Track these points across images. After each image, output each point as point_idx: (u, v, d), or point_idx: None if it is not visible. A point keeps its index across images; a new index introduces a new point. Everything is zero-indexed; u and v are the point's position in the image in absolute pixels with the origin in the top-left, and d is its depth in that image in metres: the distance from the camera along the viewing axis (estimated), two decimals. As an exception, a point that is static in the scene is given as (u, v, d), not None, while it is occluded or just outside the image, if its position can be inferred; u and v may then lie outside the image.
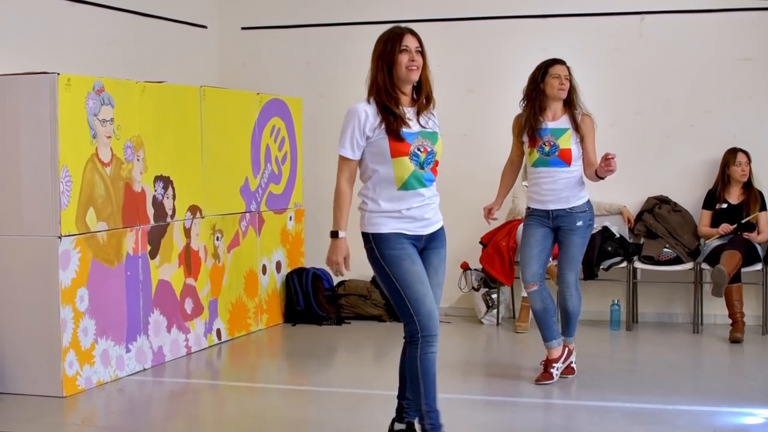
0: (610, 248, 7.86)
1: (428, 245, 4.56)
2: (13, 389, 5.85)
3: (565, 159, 5.97)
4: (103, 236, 6.11)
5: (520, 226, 7.79)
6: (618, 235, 7.96)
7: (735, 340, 7.28)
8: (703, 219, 7.85)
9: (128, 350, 6.36)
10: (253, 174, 7.71)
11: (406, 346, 4.57)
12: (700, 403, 5.68)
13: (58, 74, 5.75)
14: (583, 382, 6.17)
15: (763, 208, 7.69)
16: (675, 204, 8.02)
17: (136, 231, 6.41)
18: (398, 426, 4.79)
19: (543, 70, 6.12)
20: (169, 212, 6.75)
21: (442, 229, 4.63)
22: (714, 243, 7.67)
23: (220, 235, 7.30)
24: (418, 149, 4.46)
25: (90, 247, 5.99)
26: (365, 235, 4.52)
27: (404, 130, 4.43)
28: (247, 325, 7.67)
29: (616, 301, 7.87)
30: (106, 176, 6.13)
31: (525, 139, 6.10)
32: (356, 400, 5.78)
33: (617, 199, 8.09)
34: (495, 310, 8.10)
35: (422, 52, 4.52)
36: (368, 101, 4.50)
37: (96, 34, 7.39)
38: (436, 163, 4.55)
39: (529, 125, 6.05)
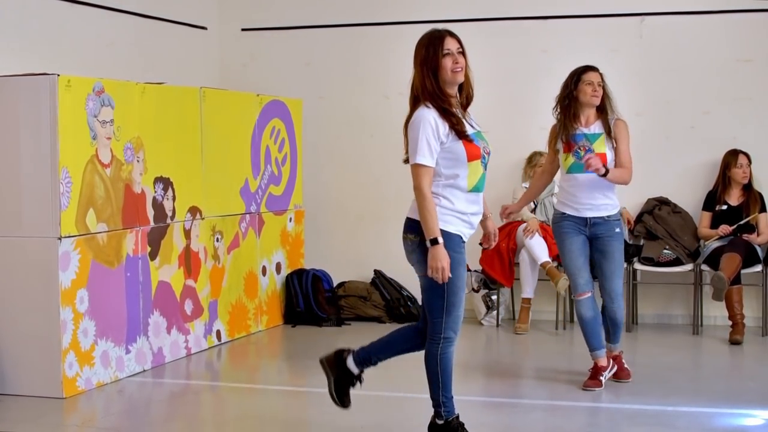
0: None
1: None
2: (13, 390, 5.85)
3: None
4: (103, 237, 6.11)
5: (520, 228, 7.83)
6: (618, 237, 7.96)
7: (735, 342, 7.28)
8: (703, 220, 7.85)
9: (128, 351, 6.36)
10: (253, 175, 7.72)
11: (407, 328, 5.01)
12: (699, 404, 5.68)
13: (59, 75, 5.76)
14: (582, 383, 6.16)
15: (762, 210, 7.69)
16: (675, 205, 8.02)
17: (136, 232, 6.41)
18: (355, 369, 4.97)
19: (576, 77, 6.05)
20: (169, 213, 6.75)
21: None
22: (714, 244, 7.67)
23: (220, 237, 7.30)
24: (484, 151, 4.57)
25: (90, 249, 5.99)
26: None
27: (468, 133, 4.50)
28: (247, 327, 7.67)
29: (616, 303, 7.86)
30: (106, 177, 6.13)
31: (560, 146, 6.02)
32: (356, 401, 5.77)
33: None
34: (495, 312, 8.10)
35: (463, 53, 4.55)
36: (427, 106, 4.50)
37: (96, 36, 7.39)
38: None
39: (564, 131, 5.99)
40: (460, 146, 4.47)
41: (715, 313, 7.90)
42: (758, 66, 7.93)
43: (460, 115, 4.54)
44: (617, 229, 5.99)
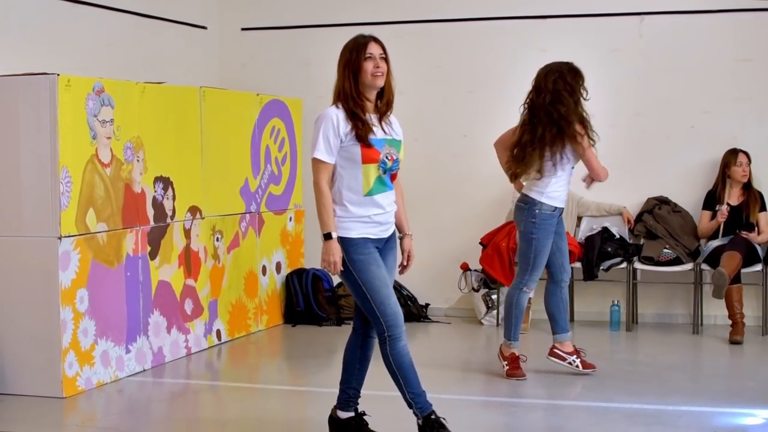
0: (609, 249, 7.86)
1: (383, 247, 4.76)
2: (13, 390, 5.85)
3: None
4: (103, 237, 6.11)
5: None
6: (618, 236, 7.96)
7: (735, 342, 7.28)
8: (702, 220, 7.85)
9: (128, 351, 6.36)
10: (252, 175, 7.72)
11: (351, 336, 4.91)
12: (699, 403, 5.68)
13: (58, 75, 5.76)
14: (583, 383, 6.17)
15: (762, 209, 7.69)
16: (675, 205, 8.02)
17: (136, 232, 6.41)
18: (344, 414, 4.93)
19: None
20: (169, 213, 6.75)
21: (395, 231, 4.86)
22: (714, 244, 7.67)
23: (220, 236, 7.30)
24: (387, 157, 4.65)
25: (90, 248, 5.99)
26: (339, 239, 4.64)
27: (372, 137, 4.62)
28: (246, 326, 7.67)
29: (616, 302, 7.87)
30: (106, 177, 6.13)
31: None
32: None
33: (617, 199, 8.09)
34: (495, 311, 8.10)
35: (386, 59, 4.69)
36: (337, 106, 4.68)
37: (96, 35, 7.39)
38: (397, 170, 4.75)
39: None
40: (356, 148, 4.60)
41: (715, 312, 7.90)
42: (758, 65, 7.93)
43: (372, 121, 4.66)
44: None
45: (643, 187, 8.10)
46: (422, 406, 4.74)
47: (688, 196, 8.03)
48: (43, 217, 5.78)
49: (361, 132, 4.61)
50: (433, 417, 4.73)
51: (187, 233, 6.94)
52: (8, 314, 5.87)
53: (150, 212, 6.55)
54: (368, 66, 4.63)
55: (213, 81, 8.55)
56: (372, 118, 4.69)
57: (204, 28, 8.76)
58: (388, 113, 4.75)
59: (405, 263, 4.92)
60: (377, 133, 4.66)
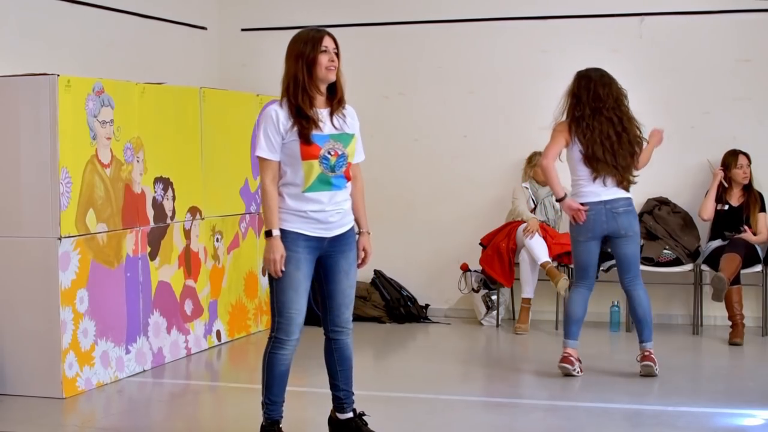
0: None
1: (334, 248, 4.66)
2: (13, 390, 5.85)
3: None
4: (103, 237, 6.11)
5: (520, 228, 7.84)
6: (618, 237, 7.95)
7: (734, 344, 7.28)
8: (704, 203, 7.82)
9: (128, 351, 6.36)
10: (252, 175, 7.71)
11: (324, 340, 4.89)
12: (699, 404, 5.68)
13: (58, 75, 5.76)
14: (583, 384, 6.17)
15: (762, 210, 7.69)
16: (675, 205, 8.02)
17: (136, 232, 6.41)
18: (343, 416, 4.92)
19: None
20: (169, 213, 6.75)
21: (350, 231, 4.72)
22: (714, 244, 7.67)
23: (219, 237, 7.30)
24: (329, 152, 4.55)
25: (90, 249, 5.99)
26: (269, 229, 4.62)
27: (315, 133, 4.53)
28: (246, 327, 7.67)
29: (615, 303, 7.87)
30: (105, 177, 6.13)
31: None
32: (356, 401, 5.77)
33: (617, 200, 8.08)
34: (495, 312, 8.10)
35: (339, 54, 4.67)
36: (280, 104, 4.62)
37: (96, 36, 7.39)
38: (349, 165, 4.64)
39: None
40: (296, 144, 4.53)
41: (715, 313, 7.90)
42: (758, 66, 7.93)
43: (319, 116, 4.58)
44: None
45: (643, 187, 8.06)
46: (271, 414, 4.75)
47: (688, 196, 8.03)
48: (43, 217, 5.78)
49: (304, 129, 4.53)
50: (275, 429, 4.74)
51: (187, 234, 6.94)
52: (8, 314, 5.87)
53: (150, 213, 6.55)
54: (323, 59, 4.58)
55: (213, 81, 8.55)
56: (321, 112, 4.60)
57: (204, 28, 8.76)
58: (341, 108, 4.67)
59: (359, 261, 4.79)
60: (324, 129, 4.57)
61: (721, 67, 7.99)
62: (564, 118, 6.25)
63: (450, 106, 8.48)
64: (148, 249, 6.54)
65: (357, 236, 4.78)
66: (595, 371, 6.42)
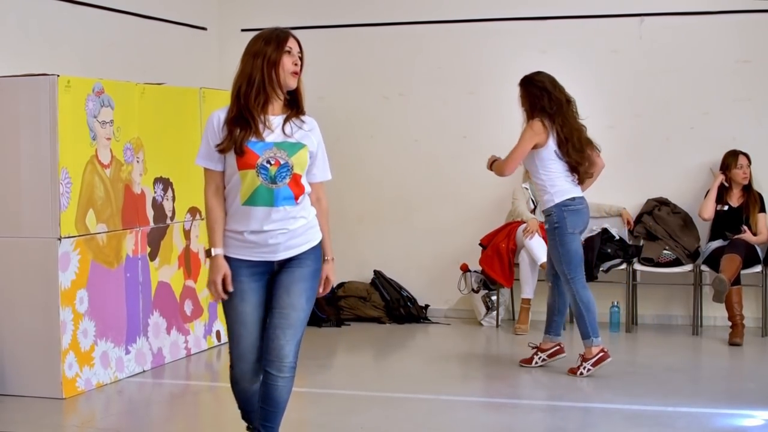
0: (609, 250, 7.86)
1: (284, 265, 4.15)
2: (13, 391, 5.85)
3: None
4: (103, 238, 6.12)
5: (520, 228, 7.84)
6: (617, 237, 7.96)
7: (734, 345, 7.28)
8: (702, 203, 7.82)
9: (128, 352, 6.36)
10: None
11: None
12: (699, 405, 5.68)
13: (58, 76, 5.76)
14: (582, 384, 6.17)
15: (762, 210, 7.70)
16: (674, 206, 8.02)
17: (136, 233, 6.41)
18: None
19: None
20: (169, 214, 6.75)
21: (307, 253, 4.17)
22: (714, 245, 7.68)
23: (219, 237, 7.29)
24: (268, 161, 4.04)
25: (90, 249, 6.00)
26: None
27: (253, 140, 4.04)
28: (246, 327, 7.66)
29: (615, 303, 7.87)
30: (105, 178, 6.13)
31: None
32: (356, 401, 5.78)
33: (617, 201, 8.09)
34: (495, 312, 8.10)
35: (302, 59, 4.27)
36: (228, 108, 4.19)
37: (96, 36, 7.39)
38: (295, 177, 4.11)
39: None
40: (231, 154, 4.07)
41: (715, 313, 7.90)
42: (757, 67, 7.93)
43: (269, 122, 4.11)
44: (547, 225, 6.38)
45: (643, 188, 8.10)
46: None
47: (688, 197, 8.03)
48: (42, 217, 5.78)
49: (236, 135, 4.05)
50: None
51: (187, 234, 6.94)
52: (8, 315, 5.87)
53: (150, 213, 6.55)
54: (287, 61, 4.15)
55: (213, 82, 8.54)
56: (273, 119, 4.13)
57: (204, 28, 8.76)
58: (298, 117, 4.20)
59: (320, 288, 4.23)
60: (267, 136, 4.07)
61: (720, 68, 7.99)
62: (533, 118, 6.29)
63: (450, 106, 8.48)
64: (148, 249, 6.54)
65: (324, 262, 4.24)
66: (595, 371, 6.42)
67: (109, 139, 6.15)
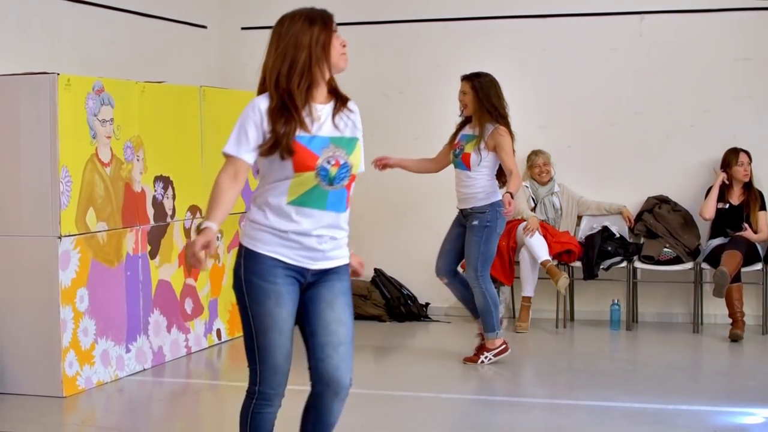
0: (609, 248, 7.86)
1: (317, 278, 3.62)
2: (13, 389, 5.85)
3: (465, 162, 6.46)
4: (103, 236, 6.12)
5: (520, 227, 7.84)
6: (618, 235, 7.96)
7: (735, 338, 7.28)
8: (704, 203, 7.82)
9: (128, 350, 6.36)
10: (253, 174, 7.70)
11: (309, 395, 3.69)
12: (699, 402, 5.68)
13: (58, 74, 5.76)
14: (583, 382, 6.17)
15: (762, 208, 7.69)
16: (675, 204, 8.02)
17: (136, 231, 6.41)
18: None
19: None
20: (169, 212, 6.75)
21: (343, 267, 3.67)
22: (714, 242, 7.67)
23: (220, 236, 7.30)
24: (328, 161, 3.55)
25: (90, 248, 5.99)
26: (240, 248, 3.67)
27: (301, 134, 3.53)
28: (247, 325, 7.66)
29: (616, 301, 7.86)
30: (105, 176, 6.13)
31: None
32: (356, 399, 5.75)
33: (617, 198, 8.09)
34: (495, 310, 8.09)
35: None
36: (268, 97, 3.62)
37: (96, 34, 7.39)
38: (352, 178, 3.63)
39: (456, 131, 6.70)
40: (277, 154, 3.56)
41: (716, 311, 7.89)
42: (758, 64, 7.93)
43: (317, 113, 3.59)
44: (474, 222, 6.45)
45: (643, 186, 8.10)
46: None
47: (688, 195, 8.03)
48: (43, 216, 5.78)
49: (282, 131, 3.52)
50: None
51: (187, 232, 6.94)
52: (8, 314, 5.87)
53: (150, 211, 6.55)
54: (337, 43, 3.64)
55: (213, 80, 8.55)
56: (319, 108, 3.60)
57: (204, 27, 8.75)
58: (345, 105, 3.70)
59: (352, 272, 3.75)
60: (317, 130, 3.56)
61: (721, 66, 7.98)
62: (497, 122, 6.45)
63: (450, 104, 8.46)
64: (148, 248, 6.53)
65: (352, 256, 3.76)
66: (596, 370, 6.43)
67: (109, 137, 6.15)
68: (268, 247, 3.58)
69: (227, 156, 3.64)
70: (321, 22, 3.64)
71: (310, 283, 3.62)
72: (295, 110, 3.54)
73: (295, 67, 3.57)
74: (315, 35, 3.61)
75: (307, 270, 3.59)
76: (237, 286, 3.63)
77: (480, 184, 6.44)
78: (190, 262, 3.55)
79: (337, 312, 3.61)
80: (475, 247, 6.44)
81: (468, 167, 6.45)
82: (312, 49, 3.58)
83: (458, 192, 6.56)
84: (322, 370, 3.58)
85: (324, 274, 3.62)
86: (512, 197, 6.21)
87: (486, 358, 6.52)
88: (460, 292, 6.71)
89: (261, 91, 3.67)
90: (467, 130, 6.57)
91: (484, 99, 6.49)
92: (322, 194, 3.56)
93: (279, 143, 3.53)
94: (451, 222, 6.68)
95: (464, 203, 6.52)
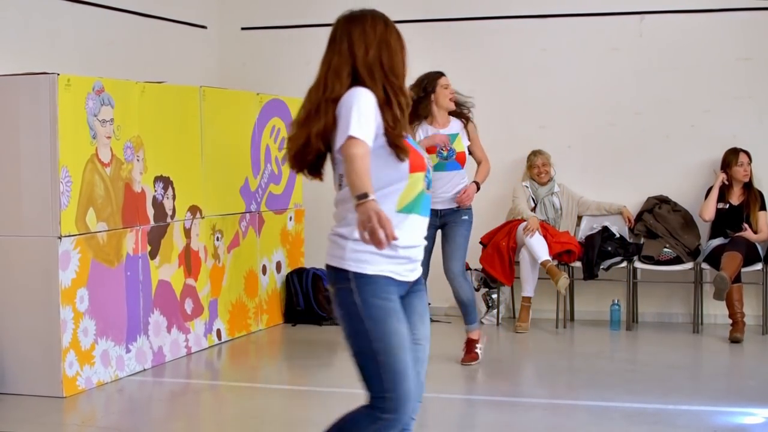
0: (610, 248, 7.86)
1: (409, 291, 3.43)
2: (14, 390, 5.85)
3: (460, 161, 6.46)
4: (103, 236, 6.11)
5: (521, 227, 7.84)
6: (618, 235, 7.96)
7: (735, 340, 7.28)
8: (703, 204, 7.81)
9: (128, 350, 6.36)
10: (253, 174, 7.72)
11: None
12: (699, 402, 5.68)
13: (58, 74, 5.75)
14: (583, 382, 6.17)
15: (762, 208, 7.69)
16: (675, 204, 8.02)
17: (136, 231, 6.41)
18: None
19: (432, 81, 6.57)
20: (169, 212, 6.75)
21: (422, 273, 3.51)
22: (714, 243, 7.67)
23: (220, 236, 7.30)
24: (429, 164, 3.44)
25: (90, 248, 5.99)
26: (341, 273, 3.31)
27: (404, 134, 3.34)
28: (247, 326, 7.67)
29: (616, 301, 7.86)
30: (106, 176, 6.13)
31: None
32: (356, 399, 5.76)
33: (617, 199, 8.09)
34: (495, 310, 8.10)
35: None
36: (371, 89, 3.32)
37: (96, 35, 7.39)
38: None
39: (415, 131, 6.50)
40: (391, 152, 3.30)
41: (716, 311, 7.90)
42: (758, 64, 7.93)
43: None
44: (464, 217, 6.48)
45: (643, 186, 8.10)
46: None
47: (689, 195, 8.03)
48: (43, 216, 5.78)
49: (392, 128, 3.28)
50: None
51: (187, 233, 6.94)
52: (8, 314, 5.87)
53: (150, 212, 6.55)
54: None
55: (213, 80, 8.55)
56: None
57: (204, 27, 8.76)
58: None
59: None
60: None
61: (721, 66, 7.99)
62: (468, 119, 6.60)
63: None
64: (149, 248, 6.53)
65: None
66: (596, 369, 6.43)
67: (109, 137, 6.15)
68: (374, 266, 3.29)
69: (354, 141, 3.16)
70: (395, 30, 3.47)
71: (402, 296, 3.39)
72: (400, 108, 3.34)
73: (400, 75, 3.41)
74: (398, 42, 3.44)
75: (406, 284, 3.39)
76: (350, 313, 3.30)
77: (461, 181, 6.50)
78: (371, 239, 3.06)
79: (426, 327, 3.48)
80: (466, 242, 6.49)
81: (463, 166, 6.50)
82: (398, 55, 3.42)
83: (440, 193, 6.32)
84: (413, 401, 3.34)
85: (413, 284, 3.44)
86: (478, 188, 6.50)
87: (480, 349, 6.57)
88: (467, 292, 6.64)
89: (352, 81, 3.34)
90: (432, 130, 6.47)
91: (442, 100, 6.55)
92: (425, 200, 3.38)
93: (395, 137, 3.29)
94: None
95: (449, 203, 6.45)
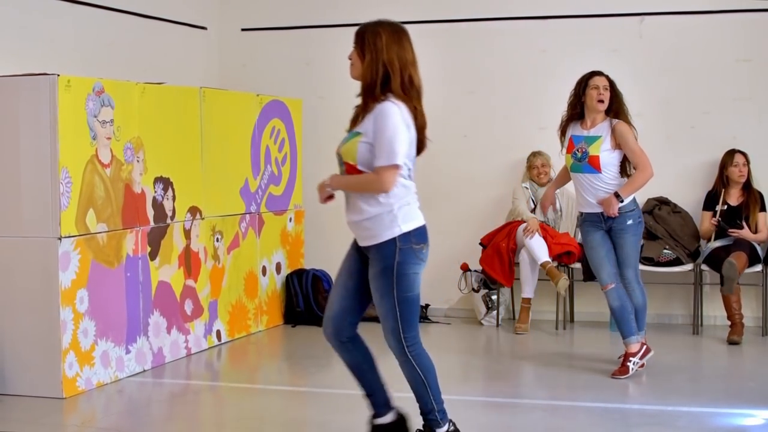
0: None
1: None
2: (13, 390, 5.86)
3: (594, 165, 6.19)
4: (103, 237, 6.12)
5: (520, 228, 7.84)
6: (618, 237, 7.95)
7: (732, 342, 7.28)
8: (704, 221, 7.84)
9: (128, 351, 6.36)
10: (252, 175, 7.72)
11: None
12: (699, 404, 5.68)
13: (58, 75, 5.76)
14: (582, 384, 6.17)
15: (762, 209, 7.69)
16: (675, 205, 8.02)
17: (136, 232, 6.41)
18: (387, 418, 4.95)
19: (583, 82, 6.38)
20: (169, 213, 6.75)
21: (374, 246, 4.74)
22: (714, 244, 7.67)
23: (219, 237, 7.30)
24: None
25: (90, 249, 6.00)
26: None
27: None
28: (247, 327, 7.67)
29: (616, 303, 7.85)
30: (106, 177, 6.13)
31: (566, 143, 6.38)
32: (356, 401, 5.77)
33: (617, 200, 8.08)
34: (495, 312, 8.10)
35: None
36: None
37: (96, 36, 7.39)
38: (346, 167, 4.77)
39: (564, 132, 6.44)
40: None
41: (715, 313, 7.90)
42: (758, 66, 7.93)
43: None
44: (628, 221, 6.29)
45: (644, 187, 8.09)
46: (446, 415, 4.82)
47: (688, 196, 8.03)
48: (43, 217, 5.78)
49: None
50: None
51: (187, 234, 6.94)
52: (8, 314, 5.87)
53: (150, 213, 6.55)
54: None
55: (213, 81, 8.56)
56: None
57: (204, 28, 8.76)
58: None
59: None
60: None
61: (721, 67, 7.99)
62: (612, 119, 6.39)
63: (450, 105, 8.48)
64: (148, 249, 6.54)
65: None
66: (595, 371, 6.42)
67: (109, 138, 6.15)
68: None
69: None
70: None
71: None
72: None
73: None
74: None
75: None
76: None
77: (615, 185, 6.25)
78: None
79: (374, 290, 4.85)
80: (634, 247, 6.34)
81: (599, 170, 6.21)
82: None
83: (590, 198, 6.26)
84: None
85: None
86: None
87: (634, 363, 6.26)
88: (621, 299, 6.34)
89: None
90: (578, 131, 6.31)
91: (616, 96, 6.36)
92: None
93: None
94: (585, 231, 6.37)
95: (599, 207, 6.26)
